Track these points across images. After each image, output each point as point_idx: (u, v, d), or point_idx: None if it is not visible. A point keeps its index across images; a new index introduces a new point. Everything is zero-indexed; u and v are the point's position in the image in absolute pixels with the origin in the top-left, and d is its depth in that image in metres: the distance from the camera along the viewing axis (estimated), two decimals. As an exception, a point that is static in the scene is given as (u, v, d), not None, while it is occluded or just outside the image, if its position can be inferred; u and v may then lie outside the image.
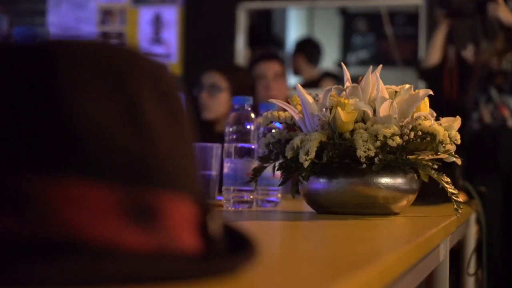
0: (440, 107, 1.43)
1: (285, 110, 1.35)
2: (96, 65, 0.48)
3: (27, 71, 0.47)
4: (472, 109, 2.84)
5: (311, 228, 1.13)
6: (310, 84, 4.09)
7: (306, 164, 1.20)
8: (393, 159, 1.21)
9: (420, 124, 1.21)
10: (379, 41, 5.93)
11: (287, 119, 1.35)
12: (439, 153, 1.24)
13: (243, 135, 1.43)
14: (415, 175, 1.28)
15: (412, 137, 1.21)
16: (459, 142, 1.24)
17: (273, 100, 1.40)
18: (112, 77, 0.49)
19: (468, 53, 2.98)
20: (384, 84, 1.27)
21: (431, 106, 1.30)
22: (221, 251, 0.53)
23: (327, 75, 4.64)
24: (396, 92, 1.28)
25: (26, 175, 0.45)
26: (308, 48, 4.58)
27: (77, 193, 0.45)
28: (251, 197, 1.43)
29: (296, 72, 4.54)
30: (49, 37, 0.50)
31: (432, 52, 3.03)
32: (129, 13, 4.68)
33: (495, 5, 2.78)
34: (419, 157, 1.25)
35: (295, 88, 1.32)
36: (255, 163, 1.39)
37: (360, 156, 1.18)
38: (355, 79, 1.32)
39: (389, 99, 1.24)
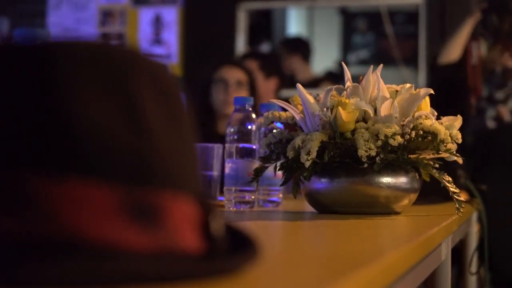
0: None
1: (286, 110, 1.35)
2: (96, 66, 0.48)
3: (27, 71, 0.47)
4: (487, 107, 2.78)
5: (313, 227, 1.13)
6: (308, 85, 3.97)
7: (307, 164, 1.20)
8: (394, 158, 1.21)
9: (421, 123, 1.21)
10: (379, 40, 5.93)
11: (288, 119, 1.35)
12: (440, 152, 1.24)
13: (244, 136, 1.43)
14: (416, 174, 1.28)
15: (413, 136, 1.21)
16: (460, 141, 1.24)
17: (274, 100, 1.40)
18: (112, 77, 0.49)
19: (475, 49, 2.90)
20: (384, 83, 1.27)
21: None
22: (223, 251, 0.53)
23: (329, 75, 4.54)
24: (396, 91, 1.28)
25: (27, 175, 0.45)
26: (303, 47, 4.37)
27: (78, 193, 0.45)
28: (253, 197, 1.43)
29: (290, 72, 4.23)
30: (49, 38, 0.50)
31: (455, 47, 2.87)
32: (129, 14, 4.69)
33: None
34: (420, 156, 1.25)
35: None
36: (256, 163, 1.39)
37: (361, 155, 1.18)
38: (355, 79, 1.32)
39: (390, 99, 1.24)
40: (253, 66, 3.14)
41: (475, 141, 2.67)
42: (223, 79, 2.77)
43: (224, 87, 2.75)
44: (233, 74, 2.78)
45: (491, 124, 2.78)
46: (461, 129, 1.27)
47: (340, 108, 1.20)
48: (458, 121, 1.28)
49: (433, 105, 1.31)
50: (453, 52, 2.89)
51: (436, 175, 1.24)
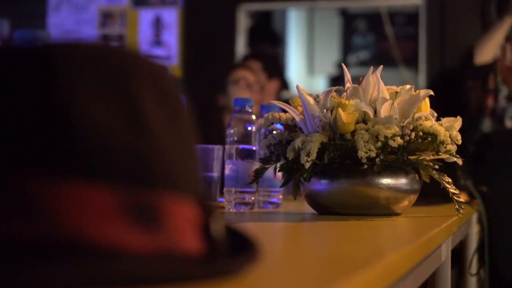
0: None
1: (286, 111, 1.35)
2: (96, 67, 0.49)
3: (28, 72, 0.47)
4: (507, 106, 2.77)
5: (313, 229, 1.13)
6: None
7: (307, 165, 1.20)
8: (394, 159, 1.21)
9: (421, 125, 1.21)
10: (379, 41, 5.93)
11: (288, 120, 1.35)
12: (440, 153, 1.24)
13: (244, 137, 1.43)
14: (416, 175, 1.28)
15: (413, 137, 1.21)
16: (460, 142, 1.24)
17: (275, 102, 1.40)
18: (112, 78, 0.49)
19: (508, 50, 2.88)
20: (384, 84, 1.27)
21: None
22: (223, 252, 0.53)
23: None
24: (396, 92, 1.28)
25: (27, 177, 0.45)
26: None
27: (79, 194, 0.45)
28: (253, 198, 1.43)
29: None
30: (49, 40, 0.50)
31: (491, 48, 2.85)
32: (129, 15, 4.68)
33: None
34: (420, 158, 1.25)
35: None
36: (257, 165, 1.39)
37: (361, 156, 1.18)
38: (355, 80, 1.32)
39: (390, 100, 1.24)
40: (256, 67, 3.15)
41: (488, 142, 2.66)
42: (245, 79, 2.79)
43: (247, 87, 2.77)
44: (252, 75, 2.81)
45: (510, 123, 2.76)
46: (462, 130, 1.27)
47: (340, 110, 1.21)
48: (458, 122, 1.28)
49: (433, 105, 1.31)
50: (489, 52, 2.86)
51: (436, 176, 1.24)
